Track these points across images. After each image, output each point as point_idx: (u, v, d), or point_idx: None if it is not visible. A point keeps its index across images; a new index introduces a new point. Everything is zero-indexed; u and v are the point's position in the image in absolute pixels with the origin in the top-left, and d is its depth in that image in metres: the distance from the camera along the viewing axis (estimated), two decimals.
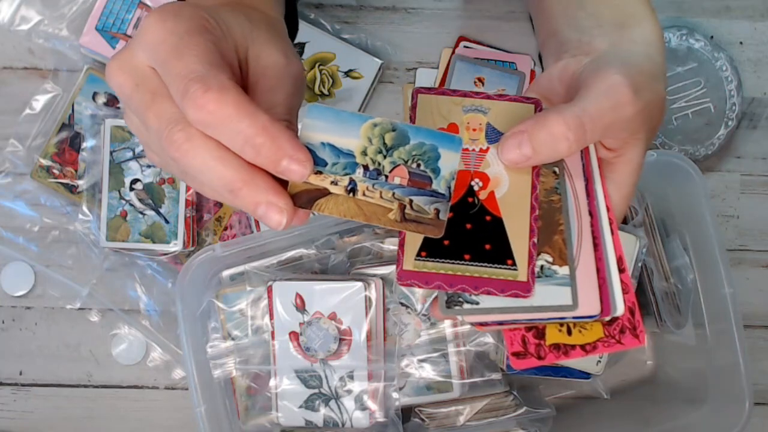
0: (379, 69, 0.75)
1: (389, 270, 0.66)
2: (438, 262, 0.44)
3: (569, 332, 0.46)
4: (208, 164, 0.37)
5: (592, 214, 0.46)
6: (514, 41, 0.76)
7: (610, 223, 0.46)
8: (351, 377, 0.65)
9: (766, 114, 0.78)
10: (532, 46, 0.76)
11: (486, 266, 0.43)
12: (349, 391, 0.65)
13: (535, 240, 0.44)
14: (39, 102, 0.75)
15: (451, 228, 0.44)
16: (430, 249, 0.44)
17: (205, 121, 0.36)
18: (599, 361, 0.67)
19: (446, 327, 0.66)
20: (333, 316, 0.65)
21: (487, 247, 0.44)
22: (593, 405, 0.73)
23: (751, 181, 0.78)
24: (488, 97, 0.46)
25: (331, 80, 0.74)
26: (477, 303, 0.44)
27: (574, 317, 0.44)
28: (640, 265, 0.67)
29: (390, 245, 0.68)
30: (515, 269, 0.43)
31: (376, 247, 0.68)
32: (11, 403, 0.76)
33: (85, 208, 0.73)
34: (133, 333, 0.76)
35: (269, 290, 0.65)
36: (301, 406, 0.66)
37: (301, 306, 0.65)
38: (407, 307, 0.66)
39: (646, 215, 0.69)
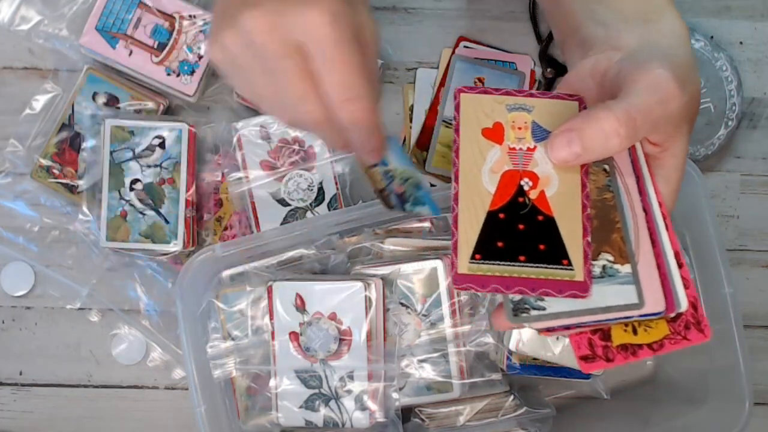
0: (379, 69, 0.75)
1: (389, 270, 0.66)
2: (493, 264, 0.43)
3: (635, 332, 0.45)
4: (329, 135, 0.46)
5: (646, 210, 0.45)
6: (514, 41, 0.76)
7: (664, 218, 0.46)
8: (351, 377, 0.65)
9: (766, 114, 0.78)
10: (532, 46, 0.76)
11: (542, 267, 0.43)
12: (349, 392, 0.65)
13: (589, 239, 0.43)
14: (39, 102, 0.75)
15: (505, 229, 0.43)
16: (484, 251, 0.43)
17: (349, 123, 0.44)
18: None
19: (446, 327, 0.66)
20: (333, 317, 0.65)
21: (542, 247, 0.43)
22: (593, 405, 0.73)
23: (751, 181, 0.78)
24: (531, 95, 0.46)
25: None
26: (543, 309, 0.44)
27: (640, 315, 0.43)
28: None
29: (390, 245, 0.68)
30: (572, 269, 0.43)
31: (376, 247, 0.68)
32: (11, 403, 0.76)
33: (85, 208, 0.73)
34: (133, 333, 0.76)
35: (269, 290, 0.65)
36: (301, 407, 0.66)
37: (301, 306, 0.65)
38: (407, 307, 0.66)
39: None
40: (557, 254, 0.43)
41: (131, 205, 0.72)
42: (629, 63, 0.46)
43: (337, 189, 0.72)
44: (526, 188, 0.44)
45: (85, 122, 0.73)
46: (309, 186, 0.72)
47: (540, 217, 0.44)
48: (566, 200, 0.44)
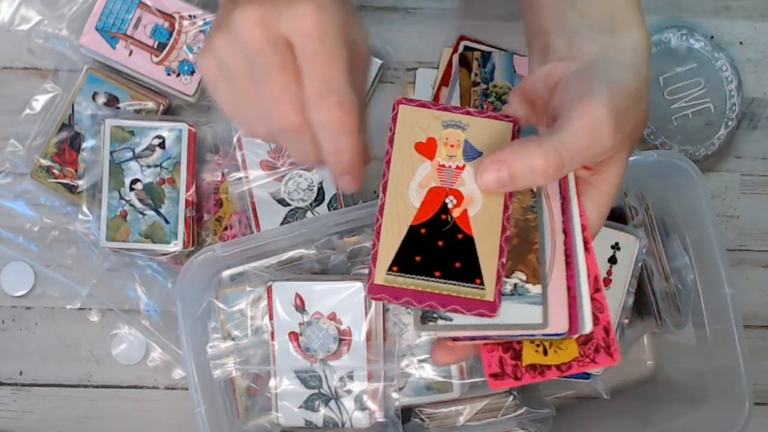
0: (379, 69, 0.75)
1: None
2: (408, 277, 0.44)
3: (545, 353, 0.47)
4: (300, 145, 0.45)
5: (567, 232, 0.46)
6: (514, 41, 0.76)
7: (586, 243, 0.46)
8: (351, 377, 0.65)
9: (766, 114, 0.78)
10: None
11: (455, 284, 0.44)
12: (349, 392, 0.65)
13: (504, 260, 0.44)
14: (39, 102, 0.75)
15: (424, 244, 0.44)
16: (401, 264, 0.44)
17: (324, 123, 0.43)
18: None
19: None
20: (333, 317, 0.65)
21: (457, 265, 0.44)
22: (593, 405, 0.73)
23: (751, 181, 0.78)
24: (468, 112, 0.46)
25: None
26: (451, 319, 0.45)
27: (543, 334, 0.45)
28: (640, 265, 0.67)
29: None
30: (483, 288, 0.44)
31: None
32: (11, 403, 0.76)
33: (85, 208, 0.73)
34: (133, 333, 0.76)
35: (269, 290, 0.65)
36: (300, 407, 0.66)
37: (300, 306, 0.65)
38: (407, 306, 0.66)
39: (646, 215, 0.69)
40: (471, 273, 0.44)
41: (131, 205, 0.72)
42: (576, 87, 0.46)
43: (337, 189, 0.72)
44: (450, 206, 0.45)
45: (85, 122, 0.73)
46: (309, 186, 0.72)
47: (460, 236, 0.45)
48: (487, 221, 0.45)
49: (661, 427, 0.70)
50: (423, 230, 0.44)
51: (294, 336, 0.65)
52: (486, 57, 0.75)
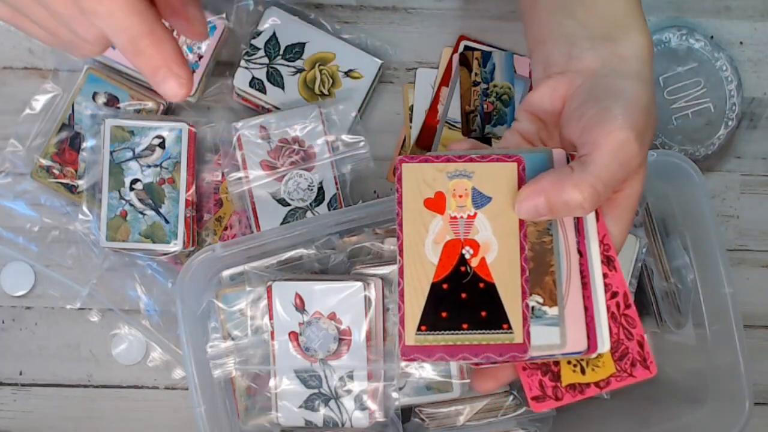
0: (379, 69, 0.75)
1: (389, 270, 0.66)
2: (438, 334, 0.45)
3: (583, 371, 0.48)
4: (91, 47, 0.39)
5: (582, 253, 0.47)
6: (514, 41, 0.76)
7: (612, 261, 0.47)
8: (351, 377, 0.65)
9: (766, 114, 0.78)
10: None
11: (484, 333, 0.45)
12: (349, 391, 0.65)
13: (528, 301, 0.45)
14: (39, 102, 0.75)
15: (448, 299, 0.45)
16: (429, 323, 0.45)
17: (95, 11, 0.36)
18: None
19: None
20: (333, 316, 0.65)
21: (483, 314, 0.45)
22: (593, 405, 0.73)
23: (751, 181, 0.78)
24: (471, 159, 0.46)
25: (331, 80, 0.74)
26: None
27: (562, 354, 0.46)
28: (640, 265, 0.67)
29: (390, 245, 0.68)
30: (511, 332, 0.45)
31: (376, 247, 0.68)
32: (11, 403, 0.76)
33: (85, 208, 0.73)
34: (133, 333, 0.76)
35: (268, 290, 0.65)
36: (300, 406, 0.66)
37: (300, 306, 0.65)
38: None
39: (646, 215, 0.69)
40: (498, 319, 0.45)
41: (131, 205, 0.72)
42: (593, 111, 0.45)
43: (337, 189, 0.72)
44: (467, 257, 0.46)
45: (85, 122, 0.73)
46: (309, 186, 0.72)
47: (481, 285, 0.45)
48: (506, 265, 0.45)
49: (661, 427, 0.70)
50: (445, 285, 0.45)
51: (294, 336, 0.65)
52: (486, 57, 0.75)
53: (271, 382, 0.66)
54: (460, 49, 0.76)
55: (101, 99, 0.74)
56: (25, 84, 0.76)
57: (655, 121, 0.47)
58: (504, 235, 0.45)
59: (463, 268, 0.45)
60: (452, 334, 0.45)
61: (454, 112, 0.75)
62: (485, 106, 0.74)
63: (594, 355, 0.47)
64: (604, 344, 0.46)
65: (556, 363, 0.48)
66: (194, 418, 0.63)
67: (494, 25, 0.77)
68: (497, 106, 0.74)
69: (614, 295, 0.48)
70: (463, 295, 0.45)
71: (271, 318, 0.65)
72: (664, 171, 0.65)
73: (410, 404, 0.68)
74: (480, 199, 0.46)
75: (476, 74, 0.74)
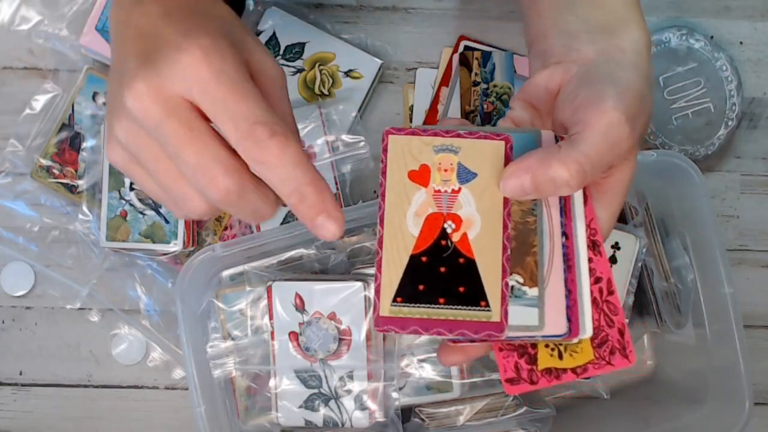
0: (379, 69, 0.75)
1: None
2: (413, 306, 0.44)
3: (560, 356, 0.47)
4: (256, 204, 0.41)
5: (568, 235, 0.46)
6: (514, 41, 0.76)
7: (598, 245, 0.47)
8: (351, 377, 0.65)
9: (766, 114, 0.78)
10: None
11: (460, 309, 0.44)
12: (349, 391, 0.65)
13: (508, 280, 0.45)
14: (39, 102, 0.75)
15: (427, 272, 0.44)
16: (405, 294, 0.44)
17: (265, 161, 0.39)
18: None
19: None
20: (332, 316, 0.65)
21: (461, 289, 0.44)
22: (593, 405, 0.73)
23: (751, 181, 0.78)
24: (458, 135, 0.46)
25: (331, 80, 0.74)
26: None
27: (542, 336, 0.45)
28: (640, 265, 0.67)
29: None
30: (489, 310, 0.44)
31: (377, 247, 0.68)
32: (11, 403, 0.76)
33: (85, 208, 0.73)
34: (133, 333, 0.76)
35: (269, 290, 0.65)
36: (300, 406, 0.66)
37: (300, 306, 0.65)
38: None
39: (646, 215, 0.69)
40: (476, 296, 0.44)
41: (131, 204, 0.72)
42: (585, 93, 0.45)
43: (337, 189, 0.72)
44: (449, 231, 0.45)
45: (85, 122, 0.73)
46: None
47: (461, 260, 0.45)
48: (488, 242, 0.45)
49: (661, 427, 0.70)
50: (424, 258, 0.44)
51: (294, 336, 0.65)
52: (486, 57, 0.75)
53: (271, 382, 0.66)
54: (460, 49, 0.76)
55: (101, 99, 0.74)
56: (25, 84, 0.76)
57: (649, 110, 0.47)
58: (488, 212, 0.45)
59: (443, 242, 0.45)
60: (428, 307, 0.44)
61: (454, 112, 0.75)
62: (485, 106, 0.74)
63: (575, 340, 0.46)
64: (586, 330, 0.45)
65: (534, 346, 0.47)
66: (194, 418, 0.63)
67: (494, 25, 0.77)
68: (497, 106, 0.74)
69: (598, 280, 0.47)
70: (442, 269, 0.44)
71: (271, 318, 0.65)
72: (664, 171, 0.65)
73: (410, 404, 0.68)
74: (465, 175, 0.46)
75: (476, 74, 0.74)
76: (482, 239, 0.45)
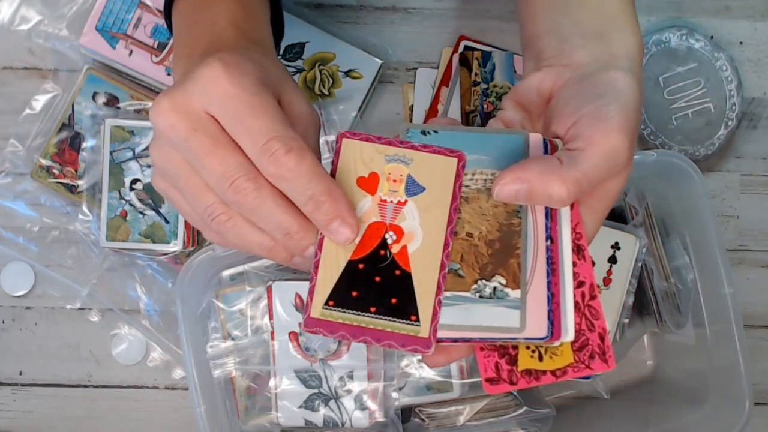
0: (379, 69, 0.75)
1: None
2: (344, 312, 0.44)
3: (540, 358, 0.47)
4: (272, 210, 0.42)
5: (553, 239, 0.46)
6: (514, 41, 0.76)
7: (582, 250, 0.47)
8: (351, 377, 0.65)
9: (766, 114, 0.78)
10: None
11: (390, 320, 0.44)
12: (349, 391, 0.65)
13: (441, 298, 0.45)
14: (39, 102, 0.75)
15: (361, 279, 0.44)
16: (337, 299, 0.44)
17: (282, 175, 0.41)
18: None
19: None
20: None
21: (393, 301, 0.44)
22: (593, 405, 0.73)
23: (751, 181, 0.78)
24: (413, 147, 0.46)
25: (331, 80, 0.74)
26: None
27: (525, 338, 0.45)
28: (640, 265, 0.67)
29: None
30: (418, 325, 0.44)
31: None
32: (11, 403, 0.76)
33: (85, 208, 0.73)
34: (133, 333, 0.76)
35: (269, 290, 0.65)
36: (300, 406, 0.66)
37: (300, 306, 0.65)
38: None
39: (646, 215, 0.69)
40: (407, 309, 0.44)
41: (131, 204, 0.72)
42: (588, 109, 0.45)
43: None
44: (389, 241, 0.45)
45: (85, 122, 0.73)
46: None
47: (397, 272, 0.45)
48: (427, 258, 0.45)
49: (661, 427, 0.70)
50: (361, 265, 0.44)
51: (294, 336, 0.65)
52: (486, 57, 0.75)
53: (271, 382, 0.66)
54: (460, 49, 0.76)
55: (101, 99, 0.74)
56: (25, 84, 0.76)
57: (640, 113, 0.48)
58: (431, 227, 0.45)
59: (382, 252, 0.45)
60: (358, 314, 0.44)
61: (454, 112, 0.75)
62: (485, 106, 0.74)
63: (557, 344, 0.46)
64: (568, 333, 0.45)
65: (515, 347, 0.47)
66: (194, 418, 0.63)
67: (494, 25, 0.77)
68: (497, 106, 0.74)
69: (581, 284, 0.47)
70: (377, 279, 0.44)
71: (271, 318, 0.65)
72: (664, 171, 0.65)
73: (410, 404, 0.68)
74: (413, 188, 0.46)
75: (476, 74, 0.74)
76: (421, 254, 0.45)
